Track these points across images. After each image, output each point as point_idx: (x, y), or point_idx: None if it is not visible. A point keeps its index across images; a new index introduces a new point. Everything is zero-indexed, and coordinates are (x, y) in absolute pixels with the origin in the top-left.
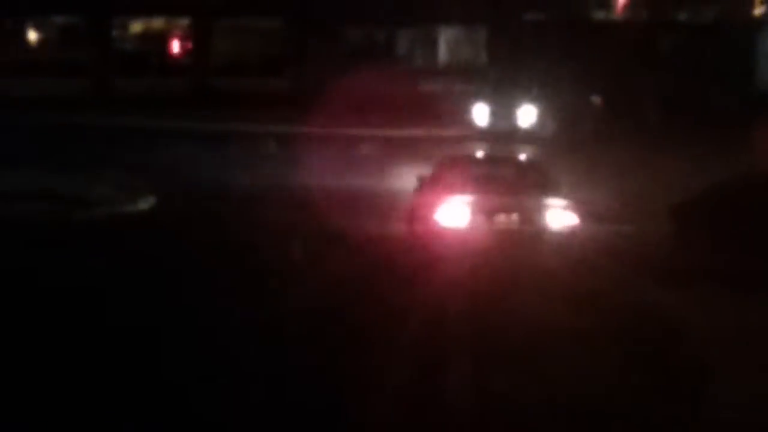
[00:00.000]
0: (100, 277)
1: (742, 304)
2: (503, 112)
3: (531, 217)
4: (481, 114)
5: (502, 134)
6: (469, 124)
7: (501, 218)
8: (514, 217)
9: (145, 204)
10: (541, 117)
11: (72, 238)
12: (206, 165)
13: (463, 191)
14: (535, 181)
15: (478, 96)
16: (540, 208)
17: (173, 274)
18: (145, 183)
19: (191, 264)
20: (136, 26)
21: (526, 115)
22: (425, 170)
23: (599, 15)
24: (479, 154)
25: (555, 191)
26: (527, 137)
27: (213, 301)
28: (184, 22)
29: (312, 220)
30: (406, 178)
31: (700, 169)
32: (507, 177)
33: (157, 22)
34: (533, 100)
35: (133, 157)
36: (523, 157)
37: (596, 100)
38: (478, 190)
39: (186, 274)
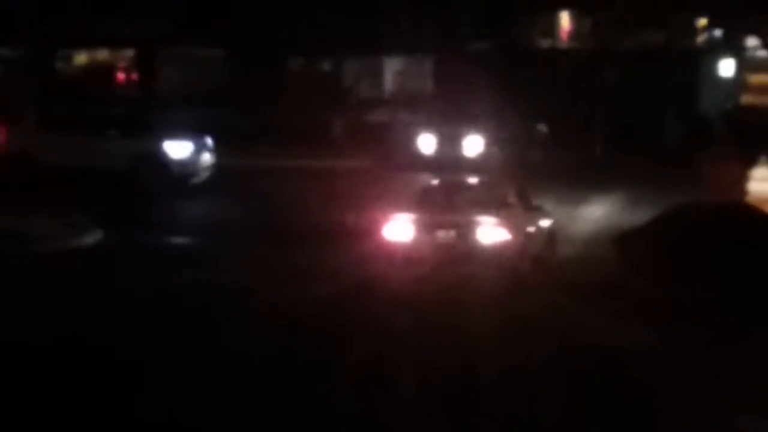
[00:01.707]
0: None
1: (680, 334)
2: (449, 141)
3: (466, 233)
4: (427, 143)
5: (448, 164)
6: (411, 154)
7: (440, 234)
8: (452, 233)
9: (90, 239)
10: (488, 146)
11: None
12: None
13: (413, 210)
14: (490, 202)
15: (424, 126)
16: (475, 225)
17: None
18: (92, 219)
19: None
20: (81, 58)
21: (472, 144)
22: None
23: (545, 43)
24: (442, 179)
25: (514, 209)
26: (473, 166)
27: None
28: (129, 53)
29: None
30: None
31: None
32: (464, 198)
33: (102, 54)
34: (479, 129)
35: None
36: (484, 180)
37: (542, 129)
38: (430, 209)
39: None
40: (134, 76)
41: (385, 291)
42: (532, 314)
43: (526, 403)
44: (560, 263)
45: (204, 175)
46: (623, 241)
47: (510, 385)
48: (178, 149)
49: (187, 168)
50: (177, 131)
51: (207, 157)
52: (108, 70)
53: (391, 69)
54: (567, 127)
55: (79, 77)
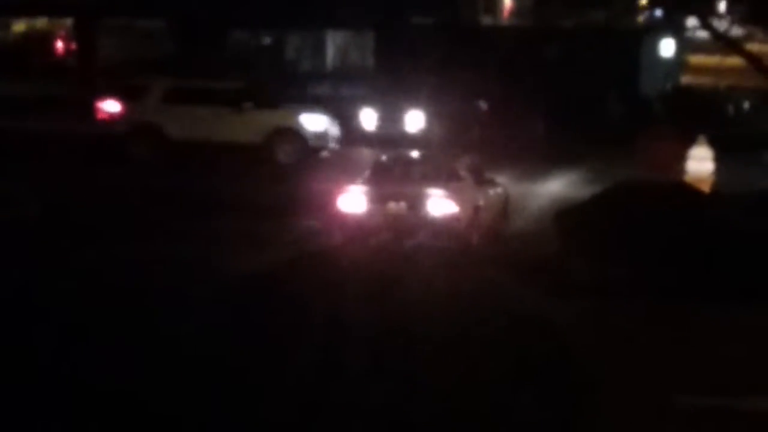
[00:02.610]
0: None
1: (617, 312)
2: (390, 117)
3: (416, 205)
4: (368, 119)
5: (389, 139)
6: (353, 128)
7: (391, 206)
8: (402, 204)
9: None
10: (428, 122)
11: None
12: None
13: (366, 183)
14: (441, 175)
15: (365, 101)
16: (425, 197)
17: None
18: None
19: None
20: (19, 26)
21: (414, 120)
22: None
23: (486, 20)
24: (396, 153)
25: (464, 183)
26: (414, 142)
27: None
28: (68, 22)
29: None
30: None
31: (581, 178)
32: (415, 171)
33: (41, 22)
34: (420, 105)
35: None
36: (435, 154)
37: (482, 105)
38: (382, 182)
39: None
40: (73, 45)
41: (328, 263)
42: (467, 287)
43: (458, 375)
44: (509, 237)
45: (332, 148)
46: (562, 217)
47: (442, 357)
48: (313, 122)
49: (321, 141)
50: (309, 104)
51: (335, 130)
52: (46, 38)
53: (334, 43)
54: (508, 105)
55: (17, 46)
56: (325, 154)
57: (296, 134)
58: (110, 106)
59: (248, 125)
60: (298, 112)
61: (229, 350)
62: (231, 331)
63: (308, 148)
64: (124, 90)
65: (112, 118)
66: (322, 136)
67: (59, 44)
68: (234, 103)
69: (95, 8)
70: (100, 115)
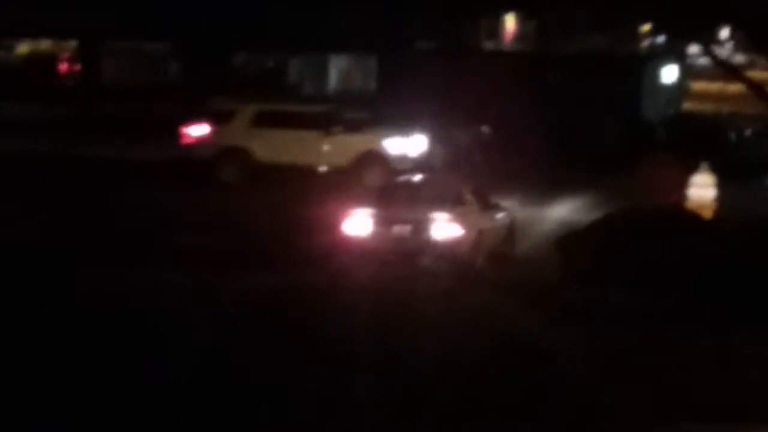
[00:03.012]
0: None
1: (616, 338)
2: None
3: (420, 228)
4: None
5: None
6: None
7: (396, 229)
8: (407, 227)
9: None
10: (431, 146)
11: None
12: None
13: (371, 206)
14: (446, 199)
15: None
16: (429, 221)
17: None
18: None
19: None
20: (23, 48)
21: (416, 144)
22: None
23: (489, 45)
24: (404, 177)
25: (469, 207)
26: (416, 166)
27: None
28: (72, 44)
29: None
30: None
31: (584, 204)
32: (421, 194)
33: (45, 44)
34: (423, 129)
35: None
36: (440, 178)
37: (485, 130)
38: (387, 205)
39: None
40: (76, 67)
41: (328, 286)
42: (464, 311)
43: (452, 400)
44: (513, 261)
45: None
46: (563, 243)
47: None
48: (397, 145)
49: (403, 163)
50: (390, 128)
51: (413, 152)
52: (50, 60)
53: (336, 67)
54: (510, 129)
55: (20, 67)
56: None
57: (381, 157)
58: (197, 130)
59: (336, 149)
60: (383, 136)
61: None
62: None
63: (393, 171)
64: (211, 114)
65: (199, 142)
66: (405, 159)
67: (63, 66)
68: (322, 126)
69: (99, 31)
70: (186, 140)
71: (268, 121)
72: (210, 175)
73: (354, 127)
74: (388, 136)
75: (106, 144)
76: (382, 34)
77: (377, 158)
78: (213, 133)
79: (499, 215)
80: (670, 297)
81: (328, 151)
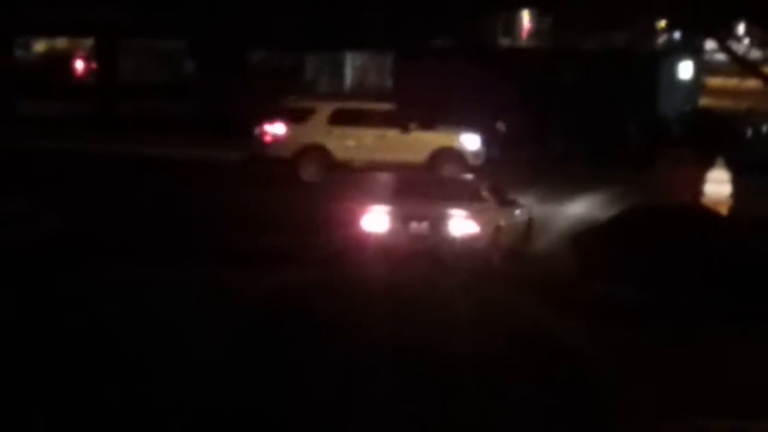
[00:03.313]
0: None
1: (632, 334)
2: None
3: (438, 225)
4: None
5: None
6: None
7: (413, 225)
8: (424, 224)
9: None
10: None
11: None
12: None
13: (389, 203)
14: (463, 196)
15: None
16: (447, 218)
17: None
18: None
19: None
20: (40, 46)
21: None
22: None
23: (505, 42)
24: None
25: (486, 203)
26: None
27: None
28: (88, 42)
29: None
30: None
31: (601, 201)
32: (438, 191)
33: (61, 42)
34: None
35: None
36: (457, 174)
37: (501, 126)
38: (405, 202)
39: None
40: (93, 65)
41: (345, 282)
42: (481, 308)
43: (472, 399)
44: (531, 257)
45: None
46: (579, 239)
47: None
48: (471, 142)
49: (478, 159)
50: (464, 124)
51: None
52: (66, 58)
53: (353, 64)
54: (527, 126)
55: (38, 65)
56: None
57: (457, 154)
58: (276, 128)
59: (413, 146)
60: (458, 133)
61: None
62: None
63: (468, 166)
64: (287, 113)
65: (277, 141)
66: (479, 155)
67: (79, 64)
68: (398, 124)
69: (116, 29)
70: (265, 138)
71: (344, 119)
72: (289, 173)
73: (428, 124)
74: (463, 132)
75: (152, 143)
76: (398, 31)
77: (453, 155)
78: (290, 132)
79: (517, 212)
80: (685, 293)
81: (405, 147)
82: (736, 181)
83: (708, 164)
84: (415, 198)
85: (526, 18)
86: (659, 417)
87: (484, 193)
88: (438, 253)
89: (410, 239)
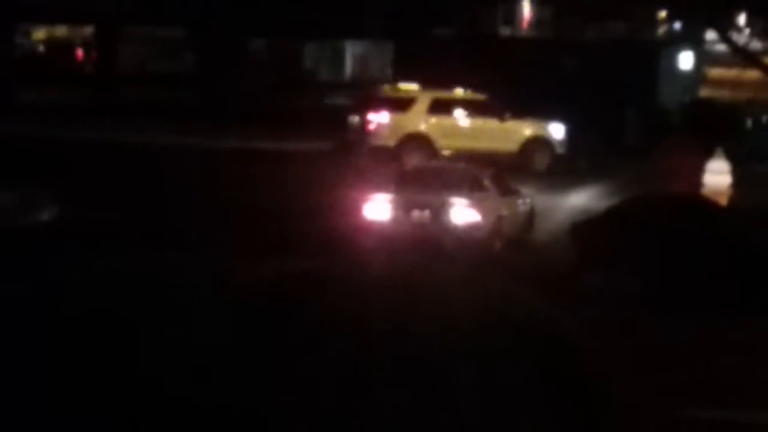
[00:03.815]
0: None
1: (628, 323)
2: None
3: (439, 213)
4: None
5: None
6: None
7: (415, 214)
8: (426, 213)
9: (47, 215)
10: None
11: None
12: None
13: (391, 192)
14: (465, 185)
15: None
16: (448, 206)
17: None
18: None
19: None
20: (40, 33)
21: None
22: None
23: (505, 31)
24: (424, 162)
25: (487, 193)
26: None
27: None
28: (89, 30)
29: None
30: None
31: (602, 191)
32: (440, 180)
33: (61, 30)
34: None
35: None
36: (459, 164)
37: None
38: (407, 191)
39: None
40: (93, 53)
41: (341, 271)
42: (479, 297)
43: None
44: (532, 247)
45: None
46: (578, 229)
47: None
48: (557, 131)
49: (562, 148)
50: (552, 114)
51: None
52: (67, 46)
53: (353, 52)
54: (527, 116)
55: (40, 53)
56: (580, 162)
57: (546, 143)
58: (380, 117)
59: (506, 135)
60: (547, 123)
61: None
62: None
63: (556, 156)
64: (388, 101)
65: (381, 129)
66: (563, 145)
67: (80, 52)
68: (495, 113)
69: (116, 16)
70: (368, 127)
71: (442, 108)
72: (395, 161)
73: (520, 114)
74: (550, 122)
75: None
76: (399, 19)
77: (543, 143)
78: (393, 121)
79: (518, 201)
80: (684, 282)
81: (501, 137)
82: (736, 172)
83: (708, 155)
84: (417, 186)
85: (526, 7)
86: (648, 408)
87: (486, 183)
88: (439, 242)
89: (412, 228)
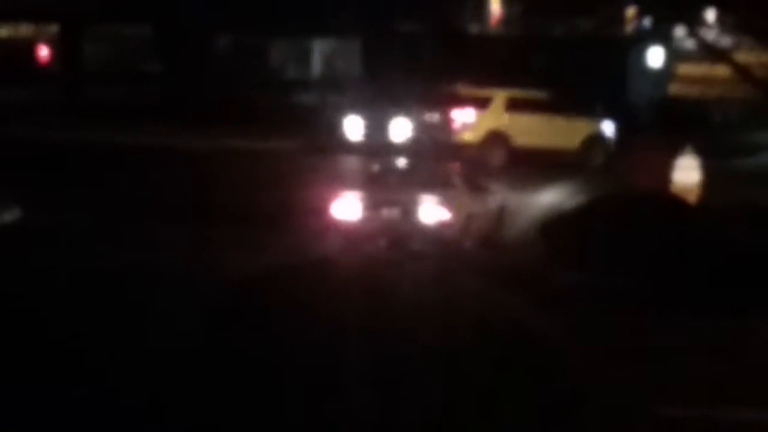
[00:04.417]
0: None
1: (596, 322)
2: (376, 125)
3: (409, 211)
4: (353, 127)
5: (375, 147)
6: (338, 136)
7: (385, 212)
8: (395, 210)
9: (9, 216)
10: (414, 130)
11: None
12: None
13: (360, 190)
14: (434, 182)
15: (350, 108)
16: (418, 204)
17: None
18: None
19: None
20: (2, 32)
21: (400, 128)
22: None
23: (474, 28)
24: (391, 161)
25: (458, 190)
26: (400, 150)
27: None
28: (53, 28)
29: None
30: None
31: (568, 187)
32: (409, 178)
33: (24, 28)
34: (407, 113)
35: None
36: (429, 162)
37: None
38: (376, 189)
39: None
40: (56, 52)
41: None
42: (449, 295)
43: (438, 388)
44: (503, 244)
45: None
46: (547, 228)
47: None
48: (610, 128)
49: (613, 145)
50: (600, 111)
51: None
52: (30, 45)
53: (320, 50)
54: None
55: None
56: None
57: (601, 140)
58: (466, 115)
59: (569, 132)
60: (601, 119)
61: None
62: None
63: (607, 152)
64: (468, 100)
65: (466, 127)
66: (614, 141)
67: (43, 51)
68: (563, 111)
69: (81, 14)
70: (454, 126)
71: (518, 106)
72: (477, 158)
73: (580, 111)
74: (604, 119)
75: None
76: (366, 16)
77: (599, 140)
78: (476, 119)
79: (489, 198)
80: (652, 280)
81: (563, 135)
82: (705, 168)
83: (676, 152)
84: (387, 184)
85: (495, 4)
86: (622, 408)
87: (456, 180)
88: (409, 240)
89: (382, 225)
